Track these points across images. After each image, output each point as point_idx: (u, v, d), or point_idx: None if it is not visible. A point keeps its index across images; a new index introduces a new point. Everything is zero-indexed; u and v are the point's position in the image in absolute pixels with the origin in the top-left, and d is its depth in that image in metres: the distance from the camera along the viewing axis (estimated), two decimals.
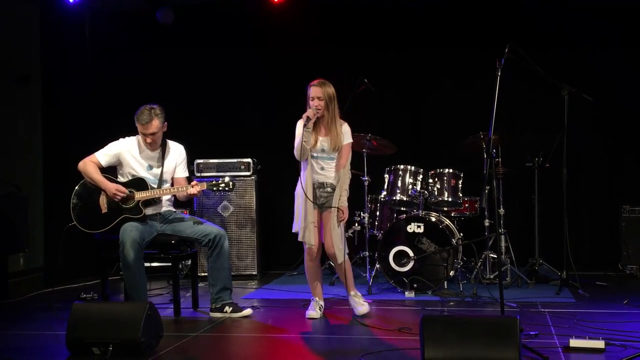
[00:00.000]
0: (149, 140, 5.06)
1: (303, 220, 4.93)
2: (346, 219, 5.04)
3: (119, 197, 4.98)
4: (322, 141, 4.97)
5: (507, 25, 7.10)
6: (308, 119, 4.85)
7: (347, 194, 5.05)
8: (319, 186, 5.00)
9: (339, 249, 4.97)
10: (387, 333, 4.56)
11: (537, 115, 7.14)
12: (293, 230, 5.05)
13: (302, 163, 4.98)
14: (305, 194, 4.89)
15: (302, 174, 4.97)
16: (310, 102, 4.92)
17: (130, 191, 5.02)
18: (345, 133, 5.01)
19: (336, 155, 5.01)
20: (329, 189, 5.00)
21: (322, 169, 4.99)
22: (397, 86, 7.43)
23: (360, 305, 5.04)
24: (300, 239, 4.99)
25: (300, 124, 4.93)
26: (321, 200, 5.01)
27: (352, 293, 5.10)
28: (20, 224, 6.32)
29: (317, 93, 4.90)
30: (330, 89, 4.94)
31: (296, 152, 4.92)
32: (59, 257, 5.33)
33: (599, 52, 7.13)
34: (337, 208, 4.94)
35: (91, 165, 5.06)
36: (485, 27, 7.21)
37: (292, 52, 7.52)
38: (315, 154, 4.98)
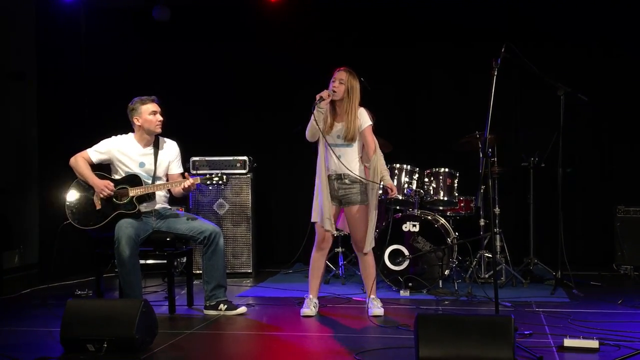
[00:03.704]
0: (160, 118, 5.10)
1: (321, 210, 4.89)
2: (395, 194, 4.96)
3: (105, 194, 4.95)
4: (338, 127, 4.89)
5: (503, 23, 7.10)
6: (321, 98, 4.78)
7: (388, 173, 5.00)
8: (336, 177, 4.90)
9: (368, 240, 4.94)
10: (381, 331, 4.56)
11: (532, 115, 7.15)
12: (312, 220, 4.98)
13: (319, 151, 4.93)
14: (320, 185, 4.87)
15: (317, 163, 4.94)
16: (331, 84, 4.87)
17: (124, 187, 5.01)
18: (362, 117, 4.89)
19: (354, 144, 4.90)
20: (347, 181, 4.89)
21: (340, 157, 4.87)
22: (393, 85, 7.42)
23: (377, 308, 4.97)
24: (316, 220, 4.94)
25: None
26: (340, 193, 4.92)
27: (372, 297, 5.04)
28: (15, 220, 6.31)
29: (341, 76, 4.86)
30: (355, 81, 4.90)
31: (306, 132, 4.87)
32: (54, 253, 5.31)
33: (594, 49, 7.15)
34: (382, 185, 4.88)
35: (82, 160, 5.06)
36: (481, 24, 7.20)
37: (288, 50, 7.50)
38: (331, 141, 4.89)
